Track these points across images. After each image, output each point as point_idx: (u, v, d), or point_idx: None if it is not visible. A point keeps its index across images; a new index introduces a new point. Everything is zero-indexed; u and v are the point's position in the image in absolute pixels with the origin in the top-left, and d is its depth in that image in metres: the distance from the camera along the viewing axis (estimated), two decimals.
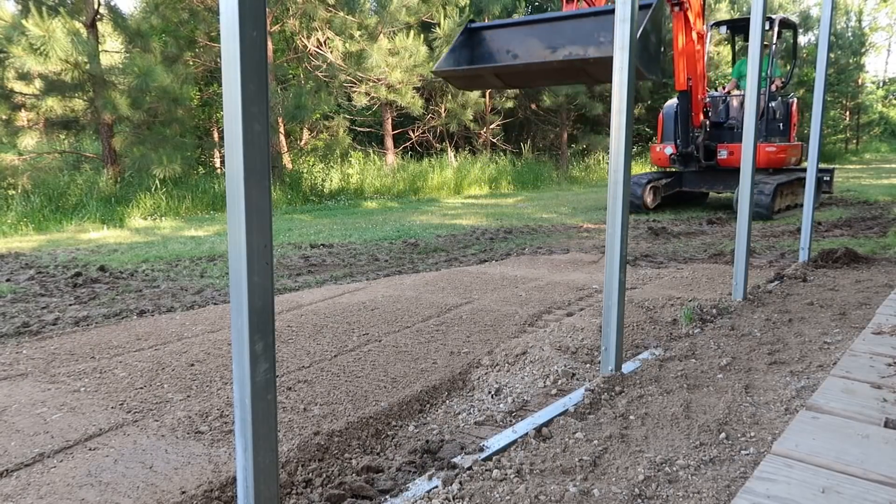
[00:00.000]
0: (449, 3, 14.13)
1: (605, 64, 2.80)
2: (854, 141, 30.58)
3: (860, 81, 29.51)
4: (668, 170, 9.70)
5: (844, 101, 29.20)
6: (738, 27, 10.07)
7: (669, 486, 1.68)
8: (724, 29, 10.14)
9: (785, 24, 9.38)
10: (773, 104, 9.11)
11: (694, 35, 8.46)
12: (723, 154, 8.96)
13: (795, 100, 9.62)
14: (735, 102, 9.31)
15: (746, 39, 9.83)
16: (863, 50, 28.70)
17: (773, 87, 9.18)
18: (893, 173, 16.56)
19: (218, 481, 1.79)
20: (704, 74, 8.86)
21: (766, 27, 8.81)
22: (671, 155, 9.21)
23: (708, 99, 9.23)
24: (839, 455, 1.68)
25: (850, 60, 27.13)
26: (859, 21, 29.61)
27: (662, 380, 2.45)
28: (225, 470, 1.89)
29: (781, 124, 9.38)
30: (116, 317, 3.71)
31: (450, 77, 3.78)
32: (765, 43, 9.46)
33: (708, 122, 8.98)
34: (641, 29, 2.86)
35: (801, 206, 9.01)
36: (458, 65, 3.79)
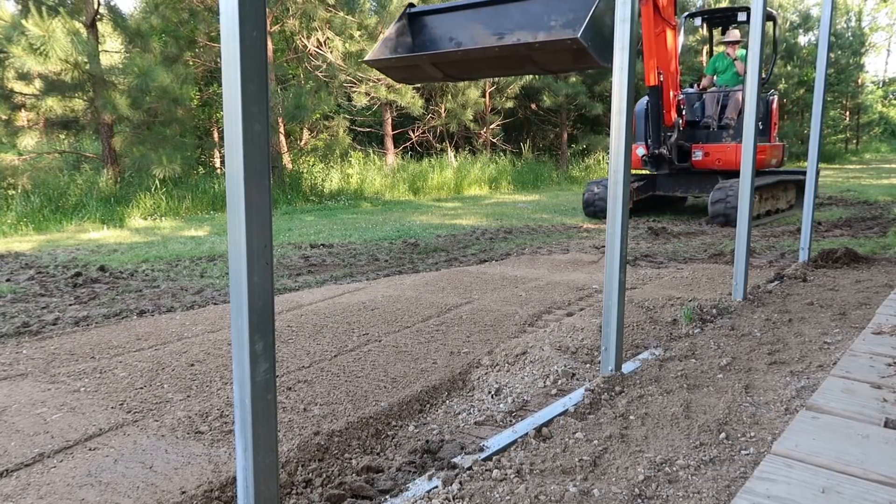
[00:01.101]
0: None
1: (553, 50, 2.50)
2: (854, 141, 30.60)
3: (860, 81, 29.53)
4: (641, 172, 9.04)
5: (844, 101, 29.22)
6: (714, 19, 9.45)
7: (669, 486, 1.68)
8: (698, 21, 9.50)
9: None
10: None
11: (664, 25, 7.86)
12: (697, 155, 8.40)
13: (776, 97, 9.04)
14: (710, 100, 8.78)
15: (723, 32, 9.33)
16: (863, 50, 28.71)
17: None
18: (893, 173, 16.57)
19: (218, 481, 1.79)
20: (678, 69, 8.31)
21: (742, 19, 8.41)
22: (643, 156, 8.58)
23: (682, 96, 8.65)
24: (839, 455, 1.68)
25: (850, 60, 27.14)
26: (859, 21, 29.63)
27: (662, 380, 2.45)
28: (225, 470, 1.89)
29: (761, 123, 8.71)
30: (116, 317, 3.71)
31: (384, 68, 3.38)
32: (740, 38, 8.73)
33: (681, 121, 8.41)
34: (594, 6, 2.50)
35: (783, 210, 8.67)
36: (394, 54, 3.36)
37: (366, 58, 3.23)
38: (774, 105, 8.88)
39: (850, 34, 27.90)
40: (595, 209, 8.45)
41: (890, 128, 35.57)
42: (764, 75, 9.34)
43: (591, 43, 2.24)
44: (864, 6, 30.33)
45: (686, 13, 9.35)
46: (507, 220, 8.44)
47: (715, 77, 9.10)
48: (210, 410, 2.31)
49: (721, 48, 9.57)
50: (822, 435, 1.79)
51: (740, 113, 8.26)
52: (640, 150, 8.57)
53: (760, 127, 8.55)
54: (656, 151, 8.41)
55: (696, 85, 9.28)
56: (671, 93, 8.09)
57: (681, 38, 9.01)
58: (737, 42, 8.89)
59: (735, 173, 7.89)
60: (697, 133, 8.60)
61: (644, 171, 8.93)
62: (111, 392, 2.51)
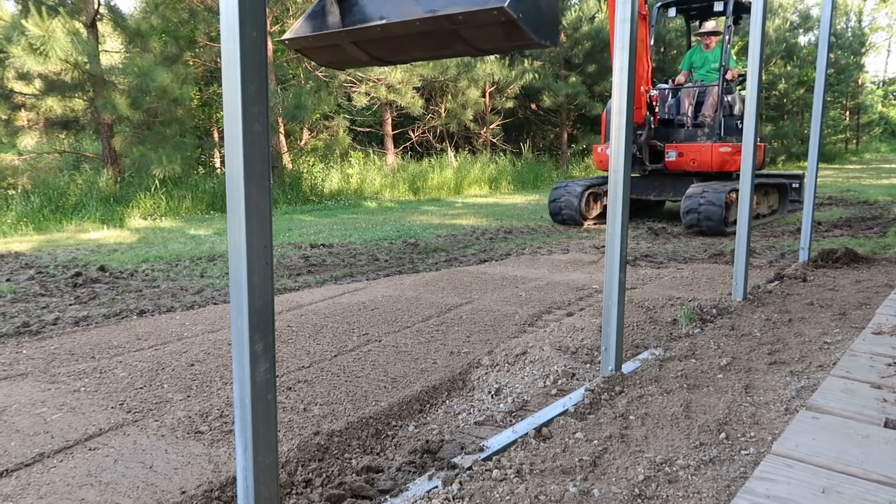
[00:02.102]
0: None
1: (480, 24, 2.04)
2: (854, 141, 30.60)
3: (860, 81, 29.54)
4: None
5: (844, 101, 29.23)
6: (689, 10, 8.74)
7: (669, 486, 1.68)
8: (672, 12, 8.66)
9: (742, 7, 8.17)
10: (728, 98, 7.95)
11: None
12: (671, 156, 7.78)
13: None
14: (686, 96, 8.17)
15: (700, 24, 8.70)
16: (863, 50, 28.71)
17: (729, 78, 7.96)
18: (893, 173, 16.57)
19: (218, 481, 1.79)
20: (649, 63, 7.72)
21: (719, 9, 7.92)
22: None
23: (654, 92, 8.05)
24: (839, 455, 1.68)
25: (850, 60, 27.15)
26: (859, 21, 29.64)
27: (662, 380, 2.45)
28: (225, 470, 1.89)
29: (740, 122, 7.93)
30: (116, 317, 3.71)
31: (304, 49, 2.96)
32: (715, 30, 8.22)
33: (653, 119, 7.82)
34: None
35: (765, 216, 8.12)
36: (313, 32, 2.89)
37: (283, 36, 2.83)
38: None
39: (850, 34, 27.90)
40: (563, 217, 7.95)
41: (890, 128, 35.58)
42: (743, 72, 8.86)
43: (522, 15, 1.94)
44: (864, 6, 30.34)
45: (659, 3, 8.71)
46: (507, 220, 8.44)
47: (691, 72, 8.52)
48: (210, 410, 2.31)
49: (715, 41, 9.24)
50: (822, 435, 1.79)
51: (717, 110, 7.76)
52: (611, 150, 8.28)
53: (739, 126, 7.91)
54: None
55: (670, 81, 8.65)
56: (641, 88, 7.57)
57: (654, 30, 8.51)
58: (714, 34, 8.25)
59: (711, 175, 7.60)
60: (671, 132, 8.03)
61: None
62: (111, 392, 2.51)
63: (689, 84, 8.33)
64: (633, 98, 2.40)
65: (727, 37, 7.86)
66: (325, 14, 2.72)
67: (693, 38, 9.78)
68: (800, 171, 9.22)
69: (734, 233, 7.03)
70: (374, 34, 2.67)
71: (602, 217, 8.17)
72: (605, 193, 7.99)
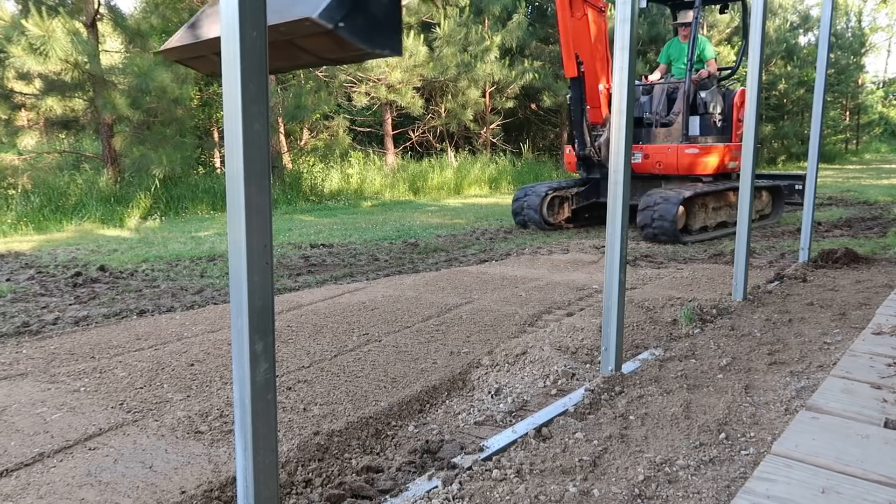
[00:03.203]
0: (449, 3, 14.14)
1: (307, 34, 1.85)
2: (854, 141, 30.60)
3: (860, 81, 29.54)
4: (588, 176, 7.83)
5: (844, 102, 29.23)
6: (668, 0, 8.03)
7: (669, 486, 1.68)
8: (643, 2, 8.17)
9: None
10: (703, 95, 7.30)
11: (588, 9, 6.77)
12: (637, 157, 7.20)
13: (739, 91, 7.62)
14: (658, 93, 7.48)
15: (674, 16, 8.02)
16: (863, 50, 28.72)
17: (706, 74, 7.35)
18: (893, 173, 16.57)
19: (218, 481, 1.79)
20: (608, 58, 7.09)
21: None
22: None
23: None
24: (839, 455, 1.68)
25: (850, 60, 27.15)
26: (859, 21, 29.65)
27: (662, 380, 2.45)
28: (225, 470, 1.89)
29: (719, 121, 7.42)
30: (116, 317, 3.71)
31: (181, 60, 2.64)
32: (685, 21, 7.49)
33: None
34: None
35: (733, 224, 7.20)
36: (182, 43, 2.53)
37: (160, 48, 2.72)
38: (737, 99, 7.51)
39: (850, 34, 27.91)
40: (523, 219, 7.48)
41: (890, 128, 35.57)
42: (732, 66, 8.20)
43: (344, 25, 1.73)
44: (864, 6, 30.35)
45: None
46: (507, 220, 8.44)
47: (670, 66, 7.93)
48: (210, 410, 2.31)
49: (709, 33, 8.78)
50: (821, 435, 1.79)
51: (690, 108, 7.22)
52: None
53: (718, 124, 7.43)
54: (581, 153, 7.40)
55: (644, 77, 8.11)
56: (600, 85, 7.13)
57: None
58: (690, 25, 7.53)
59: (682, 178, 7.07)
60: (639, 132, 7.44)
61: (594, 175, 7.77)
62: (111, 392, 2.51)
63: (661, 80, 7.80)
64: (633, 98, 2.40)
65: (695, 27, 7.19)
66: (195, 25, 2.46)
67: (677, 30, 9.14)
68: (800, 172, 8.56)
69: (699, 241, 6.49)
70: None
71: (571, 221, 7.72)
72: (575, 196, 7.61)
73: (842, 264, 4.66)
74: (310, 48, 2.15)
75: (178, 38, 2.50)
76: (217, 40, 2.12)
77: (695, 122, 7.28)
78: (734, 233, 7.02)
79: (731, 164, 7.39)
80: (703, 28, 7.78)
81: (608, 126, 6.91)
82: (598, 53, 7.01)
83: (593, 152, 7.30)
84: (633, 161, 7.18)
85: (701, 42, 7.44)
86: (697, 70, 7.35)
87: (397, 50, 1.83)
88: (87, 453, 2.01)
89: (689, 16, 7.59)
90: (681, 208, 6.46)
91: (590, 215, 8.07)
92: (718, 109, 7.38)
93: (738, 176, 7.57)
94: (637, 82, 7.76)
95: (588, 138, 7.27)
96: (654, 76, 7.89)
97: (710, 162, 7.12)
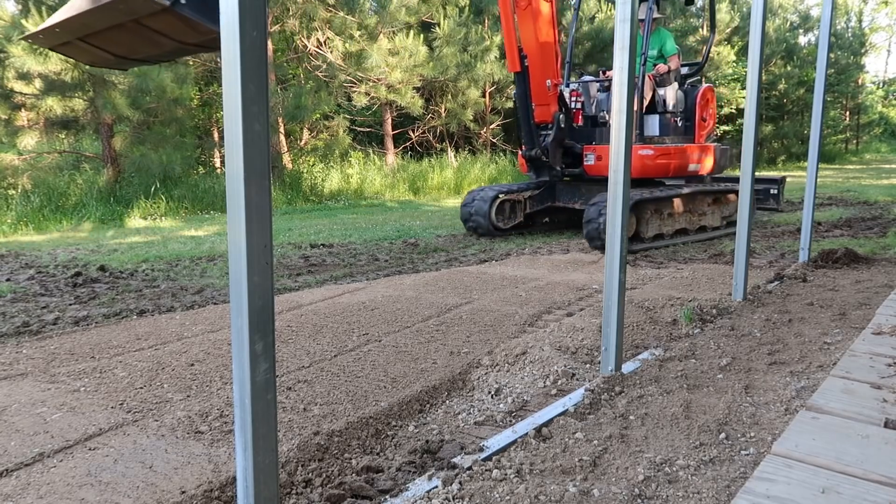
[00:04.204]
0: (449, 2, 14.14)
1: (147, 12, 1.65)
2: (854, 141, 30.61)
3: (860, 81, 29.54)
4: (538, 179, 7.36)
5: (844, 101, 29.24)
6: None
7: (669, 486, 1.68)
8: None
9: None
10: (661, 92, 6.84)
11: None
12: (589, 159, 6.74)
13: (704, 87, 7.15)
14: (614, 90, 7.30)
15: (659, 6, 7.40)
16: (863, 50, 28.73)
17: (664, 70, 6.83)
18: (893, 173, 16.57)
19: (218, 481, 1.79)
20: (558, 53, 6.65)
21: None
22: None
23: (575, 86, 7.04)
24: (839, 455, 1.68)
25: (850, 60, 27.16)
26: (859, 21, 29.67)
27: (662, 380, 2.45)
28: (225, 470, 1.89)
29: (681, 120, 6.97)
30: (116, 317, 3.71)
31: (44, 44, 2.50)
32: (658, 14, 6.92)
33: (562, 118, 6.75)
34: None
35: (716, 228, 7.03)
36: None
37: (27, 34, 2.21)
38: (701, 97, 7.03)
39: (850, 34, 27.92)
40: (472, 224, 6.97)
41: (890, 128, 35.59)
42: (700, 60, 7.76)
43: (187, 2, 1.55)
44: (864, 6, 30.36)
45: None
46: None
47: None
48: (210, 410, 2.31)
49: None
50: (821, 435, 1.79)
51: (650, 106, 6.78)
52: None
53: (679, 124, 6.94)
54: (529, 154, 6.91)
55: (602, 72, 7.64)
56: (547, 82, 6.61)
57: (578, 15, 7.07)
58: (653, 19, 6.95)
59: (639, 181, 6.52)
60: (594, 132, 6.97)
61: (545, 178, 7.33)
62: (111, 392, 2.51)
63: (590, 79, 7.44)
64: (632, 98, 2.40)
65: (648, 21, 6.70)
66: (58, 11, 2.27)
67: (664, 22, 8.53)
68: (777, 175, 7.96)
69: (651, 248, 6.05)
70: (79, 28, 2.18)
71: (522, 227, 7.24)
72: (529, 200, 7.13)
73: (842, 264, 4.66)
74: (165, 31, 2.01)
75: (43, 24, 2.30)
76: (70, 21, 2.06)
77: (653, 121, 6.84)
78: (712, 237, 6.82)
79: (693, 166, 6.91)
80: (664, 22, 7.33)
81: (556, 125, 6.68)
82: (545, 47, 6.52)
83: (541, 153, 6.82)
84: (585, 163, 6.73)
85: (663, 36, 7.00)
86: (655, 65, 6.93)
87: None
88: (87, 453, 2.01)
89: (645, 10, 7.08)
90: (632, 218, 6.07)
91: (550, 220, 7.66)
92: (680, 108, 6.95)
93: (711, 179, 7.25)
94: (589, 78, 7.45)
95: (535, 138, 6.83)
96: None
97: (668, 164, 6.60)
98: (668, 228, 6.48)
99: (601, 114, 7.01)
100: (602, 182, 6.51)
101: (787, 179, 8.24)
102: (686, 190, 6.52)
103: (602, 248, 5.86)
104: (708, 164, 7.10)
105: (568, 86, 7.05)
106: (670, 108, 6.87)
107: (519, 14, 6.39)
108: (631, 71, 2.34)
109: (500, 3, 6.41)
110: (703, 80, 7.33)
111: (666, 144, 6.69)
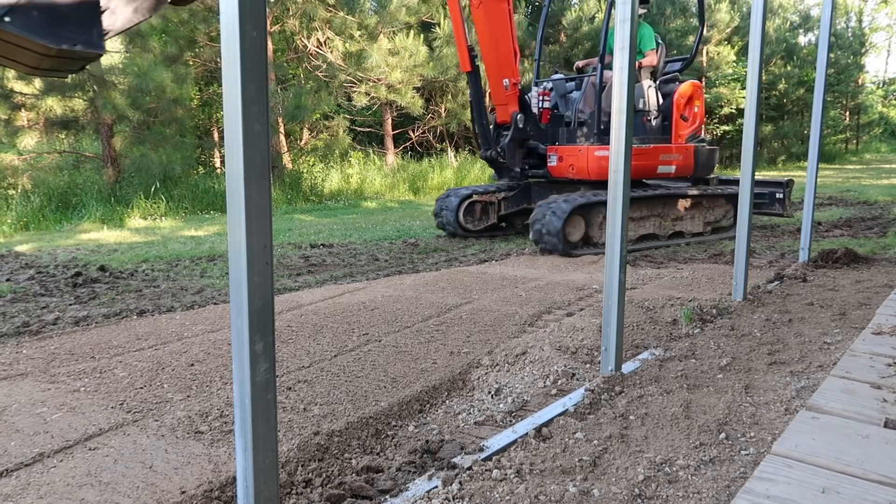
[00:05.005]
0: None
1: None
2: (854, 141, 30.61)
3: (860, 81, 29.55)
4: (499, 180, 7.17)
5: (844, 101, 29.24)
6: None
7: (669, 486, 1.68)
8: None
9: None
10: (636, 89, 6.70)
11: None
12: (552, 160, 6.48)
13: (683, 85, 6.73)
14: (585, 89, 6.52)
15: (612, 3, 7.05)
16: (863, 50, 28.73)
17: (637, 66, 6.42)
18: (893, 173, 16.57)
19: (218, 481, 1.79)
20: (516, 50, 6.39)
21: None
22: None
23: (546, 85, 6.82)
24: (839, 455, 1.68)
25: (850, 60, 27.16)
26: (859, 21, 29.67)
27: (662, 380, 2.45)
28: (225, 470, 1.89)
29: (656, 119, 6.55)
30: (116, 317, 3.71)
31: None
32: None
33: (520, 118, 6.49)
34: None
35: (698, 234, 6.66)
36: None
37: None
38: (678, 95, 6.62)
39: (850, 34, 27.92)
40: (442, 225, 6.88)
41: (890, 128, 35.60)
42: (686, 57, 7.34)
43: (12, 19, 1.46)
44: (864, 6, 30.36)
45: None
46: None
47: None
48: (210, 410, 2.31)
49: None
50: (821, 435, 1.79)
51: (595, 105, 6.43)
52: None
53: (653, 123, 6.54)
54: (485, 155, 6.68)
55: (577, 69, 7.31)
56: (504, 81, 6.39)
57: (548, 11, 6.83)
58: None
59: (599, 184, 6.15)
60: (558, 132, 6.68)
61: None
62: (111, 392, 2.51)
63: (566, 75, 7.13)
64: (632, 98, 2.40)
65: (608, 13, 6.34)
66: None
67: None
68: (782, 177, 7.57)
69: (593, 254, 5.74)
70: None
71: (494, 230, 7.05)
72: (503, 201, 6.95)
73: (842, 264, 4.66)
74: (7, 52, 1.84)
75: None
76: None
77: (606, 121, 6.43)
78: (696, 241, 6.49)
79: (665, 168, 6.48)
80: (645, 17, 7.07)
81: (514, 125, 6.47)
82: (501, 46, 6.27)
83: (497, 155, 6.59)
84: (549, 164, 6.51)
85: (642, 31, 6.58)
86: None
87: (95, 45, 1.60)
88: (87, 453, 2.01)
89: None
90: (580, 220, 5.85)
91: (525, 222, 7.27)
92: (653, 106, 6.53)
93: (697, 181, 6.85)
94: (559, 76, 7.17)
95: (490, 139, 6.65)
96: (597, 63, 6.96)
97: (632, 166, 6.31)
98: (629, 234, 6.06)
99: (566, 113, 6.71)
100: (566, 184, 6.51)
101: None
102: (648, 193, 6.19)
103: (549, 251, 5.71)
104: (686, 165, 6.66)
105: (537, 84, 6.84)
106: (640, 106, 6.47)
107: (473, 12, 6.20)
108: (631, 71, 2.34)
109: (449, 1, 6.22)
110: (680, 77, 6.91)
111: (635, 145, 6.06)
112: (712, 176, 7.04)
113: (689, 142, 6.73)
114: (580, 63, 7.15)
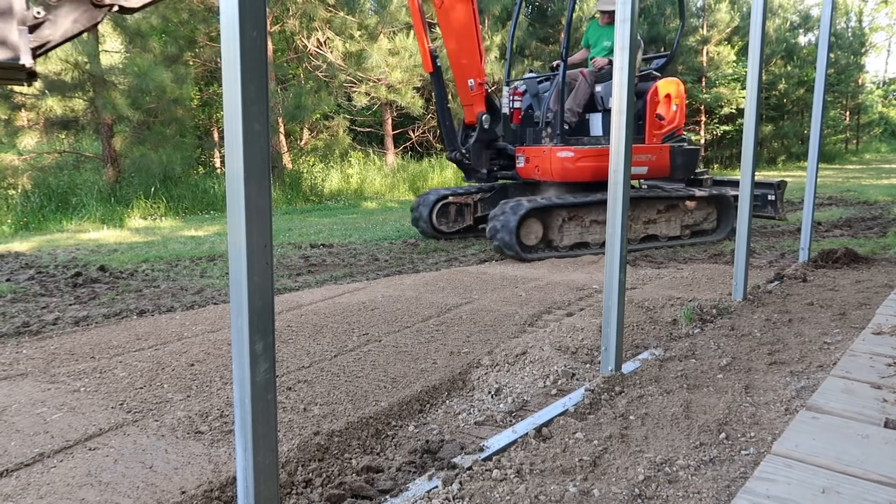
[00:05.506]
0: None
1: None
2: (854, 141, 30.61)
3: (860, 81, 29.55)
4: (468, 181, 7.00)
5: (844, 101, 29.24)
6: None
7: (669, 486, 1.68)
8: None
9: None
10: (600, 88, 6.29)
11: None
12: (520, 161, 6.29)
13: (658, 83, 6.40)
14: (555, 87, 6.20)
15: None
16: (863, 50, 28.73)
17: (602, 64, 6.26)
18: (893, 173, 16.57)
19: (218, 481, 1.79)
20: (480, 50, 6.26)
21: None
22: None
23: (519, 84, 6.64)
24: (839, 455, 1.68)
25: (850, 60, 27.17)
26: (859, 21, 29.67)
27: (662, 380, 2.45)
28: (225, 470, 1.89)
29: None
30: (116, 317, 3.71)
31: None
32: (605, 8, 6.29)
33: (486, 118, 6.37)
34: None
35: (675, 238, 6.39)
36: None
37: None
38: (652, 93, 6.33)
39: (850, 34, 27.92)
40: (417, 225, 6.78)
41: (890, 128, 35.60)
42: (667, 53, 7.16)
43: None
44: (864, 6, 30.37)
45: None
46: None
47: (589, 50, 6.82)
48: (210, 410, 2.31)
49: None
50: (822, 435, 1.79)
51: (587, 105, 6.22)
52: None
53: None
54: (451, 156, 6.59)
55: (552, 67, 6.86)
56: (469, 81, 6.29)
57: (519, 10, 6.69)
58: (613, 10, 6.44)
59: (564, 185, 6.10)
60: (527, 133, 6.47)
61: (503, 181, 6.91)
62: (111, 392, 2.51)
63: (539, 74, 6.96)
64: (632, 98, 2.40)
65: (571, 10, 6.09)
66: None
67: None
68: (774, 179, 7.23)
69: (565, 256, 5.61)
70: None
71: (468, 231, 6.84)
72: (479, 203, 6.81)
73: (842, 264, 4.66)
74: None
75: None
76: None
77: (595, 120, 6.32)
78: (672, 245, 6.21)
79: (636, 168, 6.16)
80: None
81: (479, 126, 6.36)
82: (465, 45, 6.16)
83: (462, 156, 6.49)
84: (517, 165, 6.34)
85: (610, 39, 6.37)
86: (594, 58, 6.45)
87: (12, 53, 1.56)
88: (87, 453, 2.01)
89: (604, 3, 6.47)
90: (537, 225, 5.68)
91: None
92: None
93: (692, 182, 6.57)
94: (532, 76, 6.95)
95: (455, 140, 6.55)
96: (577, 58, 6.89)
97: (595, 167, 5.90)
98: (594, 237, 5.94)
99: (535, 113, 6.49)
100: (536, 186, 6.34)
101: (787, 180, 7.90)
102: (656, 194, 5.99)
103: (500, 251, 5.56)
104: (660, 166, 6.37)
105: (508, 84, 6.69)
106: (609, 105, 6.17)
107: (436, 12, 6.11)
108: (631, 71, 2.34)
109: (409, 1, 6.12)
110: (659, 75, 6.67)
111: (600, 146, 6.01)
112: (706, 177, 6.83)
113: (665, 142, 6.47)
114: (555, 63, 6.81)
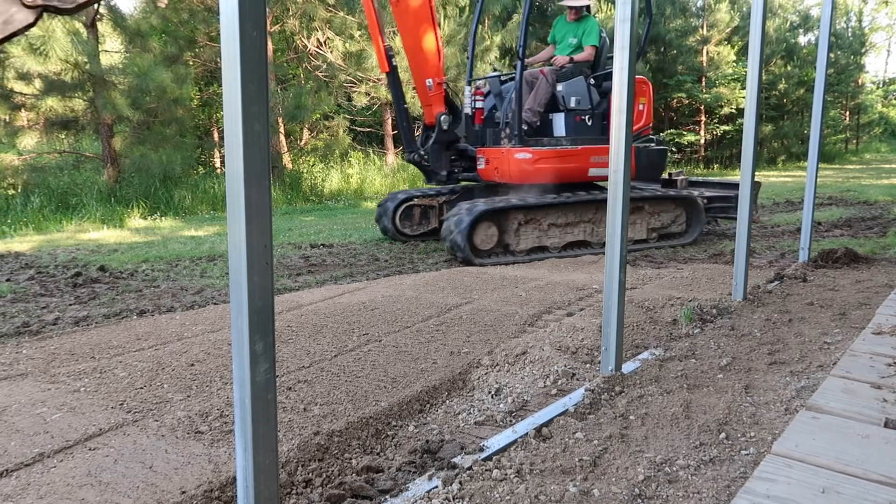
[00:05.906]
0: (449, 2, 14.14)
1: None
2: (854, 141, 30.60)
3: (860, 81, 29.54)
4: (427, 182, 6.91)
5: (844, 101, 29.23)
6: None
7: (669, 486, 1.68)
8: None
9: None
10: (561, 88, 6.03)
11: None
12: (481, 163, 6.16)
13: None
14: (526, 86, 6.02)
15: None
16: (863, 50, 28.72)
17: (563, 62, 6.10)
18: (893, 173, 16.57)
19: (218, 481, 1.79)
20: (440, 49, 6.19)
21: None
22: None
23: (477, 85, 6.54)
24: (839, 455, 1.68)
25: (850, 60, 27.16)
26: (859, 21, 29.65)
27: (662, 380, 2.45)
28: (225, 470, 1.89)
29: (591, 118, 6.09)
30: (116, 317, 3.71)
31: None
32: (572, 4, 6.09)
33: (444, 118, 6.25)
34: None
35: (642, 241, 6.17)
36: None
37: None
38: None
39: (850, 34, 27.91)
40: (381, 226, 6.64)
41: (890, 128, 35.60)
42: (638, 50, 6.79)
43: None
44: (864, 6, 30.36)
45: None
46: None
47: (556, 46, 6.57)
48: (210, 410, 2.31)
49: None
50: (822, 435, 1.79)
51: (548, 105, 6.04)
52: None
53: (589, 123, 6.09)
54: (409, 158, 6.50)
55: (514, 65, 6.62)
56: (427, 81, 6.19)
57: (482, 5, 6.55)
58: (581, 6, 6.19)
59: (527, 188, 5.91)
60: (488, 133, 6.31)
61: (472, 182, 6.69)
62: (111, 392, 2.51)
63: (497, 74, 6.81)
64: (632, 98, 2.40)
65: (528, 8, 5.87)
66: None
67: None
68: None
69: (519, 262, 5.47)
70: None
71: (432, 234, 6.65)
72: (445, 205, 6.63)
73: (842, 264, 4.66)
74: None
75: None
76: None
77: (559, 120, 6.12)
78: (644, 248, 6.04)
79: (596, 170, 5.98)
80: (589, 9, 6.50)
81: (437, 127, 6.22)
82: (423, 45, 6.06)
83: (420, 158, 6.38)
84: (478, 167, 6.20)
85: (589, 25, 6.21)
86: (554, 56, 6.29)
87: None
88: (87, 453, 2.01)
89: None
90: (492, 228, 5.50)
91: None
92: (586, 105, 6.09)
93: (667, 184, 6.36)
94: (494, 74, 6.84)
95: (412, 141, 6.45)
96: (542, 56, 6.68)
97: (556, 169, 5.77)
98: (554, 241, 5.76)
99: (498, 114, 6.35)
100: (499, 187, 6.14)
101: (787, 180, 7.79)
102: (571, 198, 5.75)
103: (451, 252, 5.42)
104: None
105: (470, 83, 6.53)
106: (572, 104, 6.04)
107: (393, 10, 6.02)
108: (631, 71, 2.34)
109: (364, 1, 6.02)
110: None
111: (560, 147, 5.87)
112: (681, 177, 6.64)
113: (634, 142, 6.21)
114: (543, 54, 6.71)
